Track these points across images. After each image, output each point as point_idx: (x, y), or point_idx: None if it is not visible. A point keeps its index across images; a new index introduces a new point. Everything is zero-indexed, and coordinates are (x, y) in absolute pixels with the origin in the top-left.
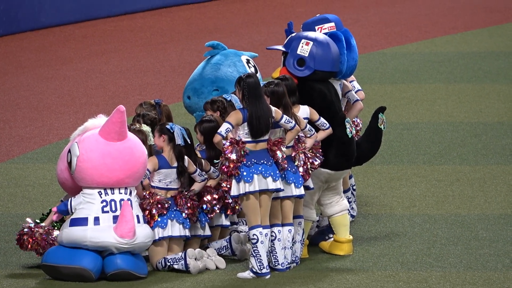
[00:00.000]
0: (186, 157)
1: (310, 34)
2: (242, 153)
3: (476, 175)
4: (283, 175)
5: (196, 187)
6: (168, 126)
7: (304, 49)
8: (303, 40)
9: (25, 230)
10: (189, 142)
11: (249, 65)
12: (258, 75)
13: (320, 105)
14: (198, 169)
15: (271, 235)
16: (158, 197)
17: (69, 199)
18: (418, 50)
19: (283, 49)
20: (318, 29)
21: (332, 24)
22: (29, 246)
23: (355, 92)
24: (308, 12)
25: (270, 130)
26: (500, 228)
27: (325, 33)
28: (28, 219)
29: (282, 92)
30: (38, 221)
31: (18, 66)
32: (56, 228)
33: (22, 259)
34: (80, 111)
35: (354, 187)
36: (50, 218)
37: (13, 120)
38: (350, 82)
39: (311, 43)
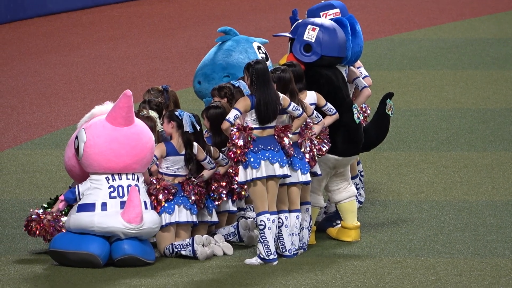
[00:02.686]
0: (196, 144)
1: (317, 20)
2: (249, 139)
3: (484, 161)
4: (290, 162)
5: (206, 174)
6: (177, 113)
7: (310, 35)
8: (309, 26)
9: (33, 216)
10: (198, 129)
11: (260, 51)
12: (269, 62)
13: (327, 91)
14: (208, 157)
15: (278, 222)
16: (165, 182)
17: (77, 186)
18: (426, 36)
19: (290, 36)
20: (323, 15)
21: (337, 10)
22: (37, 232)
23: (362, 78)
24: None
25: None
26: (507, 215)
27: (330, 19)
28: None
29: (289, 78)
30: (45, 205)
31: (26, 52)
32: (64, 214)
33: (29, 245)
34: (87, 97)
35: (362, 173)
36: (57, 206)
37: (20, 106)
38: (357, 68)
39: (318, 28)
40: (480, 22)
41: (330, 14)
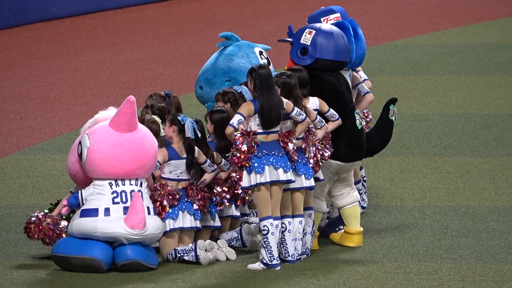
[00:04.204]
0: (197, 148)
1: (316, 24)
2: (253, 144)
3: (487, 166)
4: (294, 167)
5: (207, 177)
6: (179, 118)
7: (306, 38)
8: (306, 30)
9: (33, 219)
10: (200, 136)
11: (262, 56)
12: (271, 67)
13: (329, 96)
14: (208, 160)
15: (282, 227)
16: (169, 188)
17: (80, 191)
18: (429, 41)
19: (290, 40)
20: (324, 21)
21: (338, 15)
22: (36, 235)
23: (362, 82)
24: (318, 3)
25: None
26: (510, 220)
27: (331, 24)
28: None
29: (293, 84)
30: (46, 211)
31: (29, 57)
32: (64, 218)
33: (32, 250)
34: (91, 102)
35: (365, 179)
36: (59, 209)
37: (24, 111)
38: (357, 71)
39: (314, 32)
40: (483, 28)
41: (331, 19)
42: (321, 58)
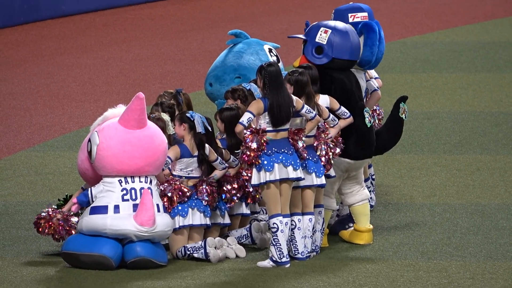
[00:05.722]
0: (207, 145)
1: (330, 22)
2: (263, 142)
3: (497, 164)
4: (304, 164)
5: (218, 174)
6: (188, 115)
7: (322, 37)
8: (321, 28)
9: (43, 214)
10: (210, 130)
11: (271, 54)
12: (280, 64)
13: (339, 94)
14: (219, 157)
15: (291, 224)
16: (181, 185)
17: (89, 189)
18: (438, 39)
19: (303, 37)
20: (351, 17)
21: (365, 14)
22: (46, 230)
23: (370, 80)
24: (329, 1)
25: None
26: None
27: (359, 22)
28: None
29: (306, 81)
30: (55, 207)
31: (39, 54)
32: (74, 214)
33: (42, 247)
34: (100, 99)
35: (373, 177)
36: (69, 206)
37: (33, 108)
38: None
39: (330, 31)
40: (493, 25)
41: (359, 17)
42: (337, 57)
